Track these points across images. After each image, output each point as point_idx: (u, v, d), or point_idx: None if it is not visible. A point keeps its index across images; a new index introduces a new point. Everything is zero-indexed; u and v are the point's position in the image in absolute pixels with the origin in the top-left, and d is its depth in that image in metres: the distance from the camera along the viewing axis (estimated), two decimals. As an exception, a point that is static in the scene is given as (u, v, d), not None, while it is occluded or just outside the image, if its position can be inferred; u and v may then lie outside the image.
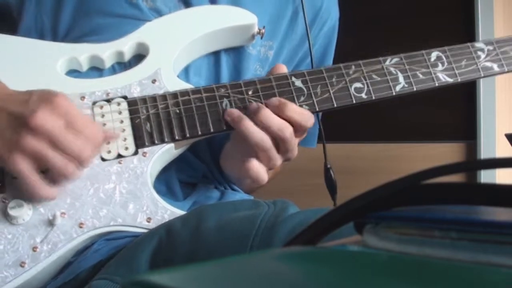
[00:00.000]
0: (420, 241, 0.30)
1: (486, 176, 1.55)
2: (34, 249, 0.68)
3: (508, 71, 0.89)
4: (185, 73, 0.84)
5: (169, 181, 0.82)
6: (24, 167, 0.64)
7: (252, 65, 0.87)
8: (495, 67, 0.88)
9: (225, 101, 0.77)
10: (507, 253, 0.27)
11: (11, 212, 0.68)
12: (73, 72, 0.79)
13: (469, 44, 0.88)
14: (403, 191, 0.33)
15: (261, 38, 0.85)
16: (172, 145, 0.76)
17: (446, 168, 0.31)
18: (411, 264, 0.28)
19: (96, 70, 0.79)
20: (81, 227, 0.70)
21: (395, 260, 0.29)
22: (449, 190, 0.32)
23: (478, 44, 0.88)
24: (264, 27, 0.84)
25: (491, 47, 0.88)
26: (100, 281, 0.64)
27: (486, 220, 0.29)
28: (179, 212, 0.73)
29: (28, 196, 0.67)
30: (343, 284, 0.25)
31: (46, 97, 0.66)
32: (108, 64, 0.79)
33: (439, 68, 0.85)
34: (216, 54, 0.85)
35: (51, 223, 0.69)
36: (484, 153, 1.61)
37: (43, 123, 0.64)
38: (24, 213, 0.68)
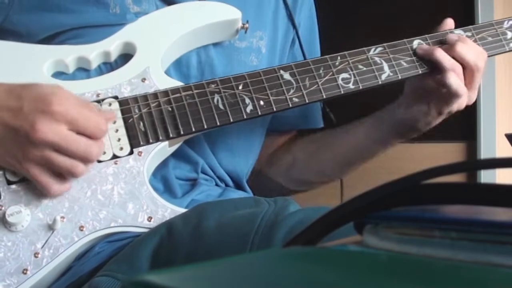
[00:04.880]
0: (420, 241, 0.30)
1: (486, 176, 1.55)
2: (35, 255, 0.67)
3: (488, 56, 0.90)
4: (174, 69, 0.83)
5: (166, 179, 0.81)
6: (35, 173, 0.66)
7: (245, 58, 0.87)
8: None
9: (216, 96, 0.77)
10: (507, 253, 0.27)
11: (10, 219, 0.67)
12: (60, 74, 0.78)
13: (447, 30, 0.89)
14: (403, 191, 0.33)
15: (245, 32, 0.85)
16: (166, 143, 0.76)
17: (446, 168, 0.31)
18: (411, 264, 0.28)
19: (83, 71, 0.79)
20: (81, 230, 0.69)
21: (395, 260, 0.29)
22: (449, 190, 0.32)
23: (457, 31, 0.90)
24: (247, 22, 0.85)
25: (469, 34, 0.90)
26: (101, 277, 0.64)
27: (486, 220, 0.29)
28: (180, 210, 0.73)
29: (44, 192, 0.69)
30: (343, 284, 0.25)
31: (40, 105, 0.65)
32: (94, 64, 0.79)
33: None
34: (206, 50, 0.85)
35: (50, 227, 0.68)
36: (484, 153, 1.62)
37: (45, 136, 0.64)
38: (22, 219, 0.68)
